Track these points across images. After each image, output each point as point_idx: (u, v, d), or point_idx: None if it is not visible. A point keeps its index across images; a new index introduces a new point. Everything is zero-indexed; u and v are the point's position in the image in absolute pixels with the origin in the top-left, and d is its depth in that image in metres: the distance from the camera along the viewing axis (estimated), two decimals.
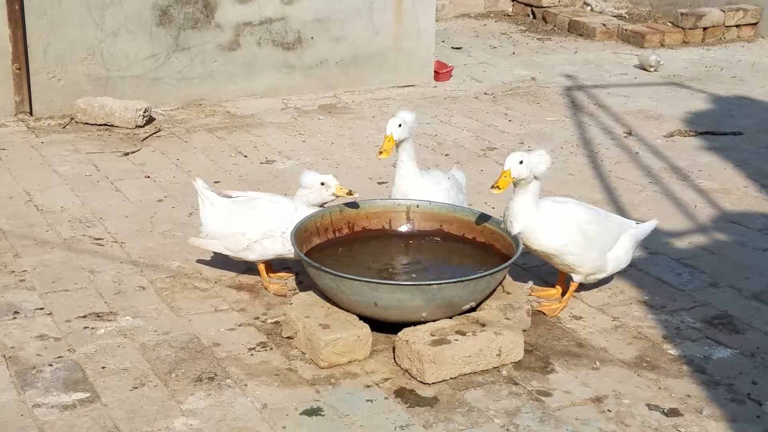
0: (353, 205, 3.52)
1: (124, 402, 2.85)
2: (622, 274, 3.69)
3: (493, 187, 3.14)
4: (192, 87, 6.03)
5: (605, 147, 5.43)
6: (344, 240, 3.50)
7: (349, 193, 3.38)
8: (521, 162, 3.16)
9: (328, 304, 3.18)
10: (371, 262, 3.38)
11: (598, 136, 5.64)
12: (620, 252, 3.39)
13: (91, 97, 5.66)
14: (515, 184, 3.20)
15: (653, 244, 4.01)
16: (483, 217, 3.47)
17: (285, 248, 3.42)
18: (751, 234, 4.20)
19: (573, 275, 3.36)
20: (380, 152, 3.43)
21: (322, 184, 3.37)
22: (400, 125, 3.46)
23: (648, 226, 3.49)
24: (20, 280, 3.61)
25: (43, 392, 2.88)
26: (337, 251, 3.42)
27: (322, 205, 3.44)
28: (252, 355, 3.11)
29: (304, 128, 5.68)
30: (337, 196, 3.41)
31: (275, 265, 3.71)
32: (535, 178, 3.19)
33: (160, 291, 3.56)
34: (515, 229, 3.23)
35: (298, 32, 6.27)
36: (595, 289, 3.62)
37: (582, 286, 3.57)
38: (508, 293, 3.29)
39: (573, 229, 3.26)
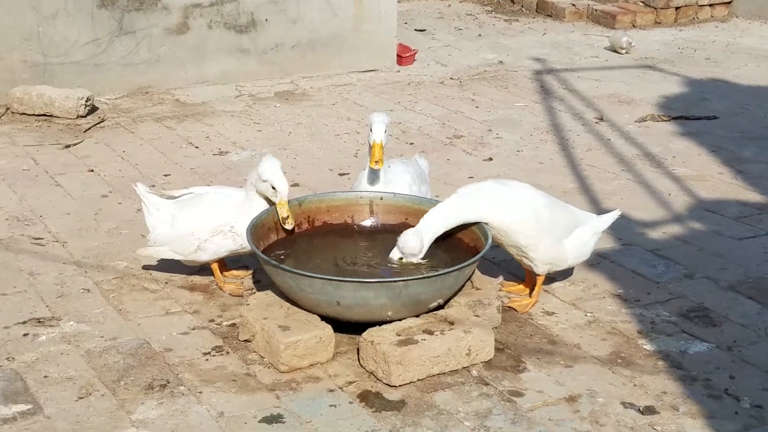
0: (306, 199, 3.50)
1: (68, 413, 2.81)
2: (595, 266, 3.73)
3: None
4: (138, 74, 5.95)
5: (576, 133, 5.47)
6: (304, 235, 3.48)
7: (283, 220, 3.25)
8: (401, 258, 3.25)
9: (288, 304, 3.17)
10: (333, 258, 3.37)
11: (569, 122, 5.68)
12: (578, 243, 3.41)
13: (28, 85, 5.55)
14: None
15: (626, 235, 4.06)
16: None
17: (237, 243, 3.40)
18: (726, 222, 4.27)
19: (531, 266, 3.38)
20: (375, 162, 3.41)
21: (274, 188, 3.27)
22: (385, 131, 3.44)
23: (608, 218, 3.51)
24: None
25: None
26: (296, 247, 3.39)
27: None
28: (207, 360, 3.09)
29: (260, 117, 5.64)
30: (275, 209, 3.28)
31: (230, 263, 3.68)
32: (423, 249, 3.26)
33: (107, 293, 3.51)
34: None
35: (252, 14, 6.21)
36: (568, 283, 3.65)
37: (552, 280, 3.59)
38: (478, 289, 3.31)
39: (527, 211, 3.27)
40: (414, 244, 3.22)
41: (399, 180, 3.59)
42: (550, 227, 3.33)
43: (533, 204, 3.31)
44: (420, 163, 3.87)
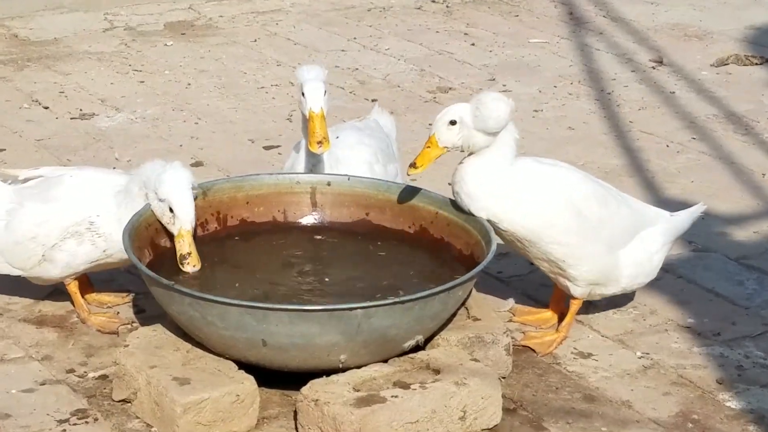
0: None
1: None
2: (653, 284, 3.72)
3: (411, 166, 3.33)
4: None
5: (623, 84, 5.52)
6: (212, 240, 3.49)
7: (182, 258, 3.24)
8: (453, 122, 3.28)
9: (189, 345, 3.17)
10: (255, 274, 3.38)
11: (612, 66, 5.73)
12: (643, 253, 3.44)
13: None
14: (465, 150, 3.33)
15: (700, 237, 4.09)
16: (434, 199, 3.48)
17: (99, 249, 3.40)
18: None
19: (569, 286, 3.40)
20: (319, 143, 3.40)
21: (172, 212, 3.25)
22: (325, 92, 3.45)
23: (687, 216, 3.54)
24: None
25: None
26: (201, 259, 3.36)
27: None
28: (64, 431, 3.07)
29: (143, 61, 5.65)
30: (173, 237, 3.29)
31: (99, 283, 3.67)
32: (490, 134, 3.27)
33: None
34: (476, 208, 3.29)
35: None
36: (612, 309, 3.67)
37: (589, 306, 3.61)
38: (476, 319, 3.31)
39: (561, 204, 3.29)
40: (502, 111, 3.22)
41: (353, 156, 3.60)
42: (600, 229, 3.34)
43: (574, 191, 3.32)
44: (381, 124, 3.87)
